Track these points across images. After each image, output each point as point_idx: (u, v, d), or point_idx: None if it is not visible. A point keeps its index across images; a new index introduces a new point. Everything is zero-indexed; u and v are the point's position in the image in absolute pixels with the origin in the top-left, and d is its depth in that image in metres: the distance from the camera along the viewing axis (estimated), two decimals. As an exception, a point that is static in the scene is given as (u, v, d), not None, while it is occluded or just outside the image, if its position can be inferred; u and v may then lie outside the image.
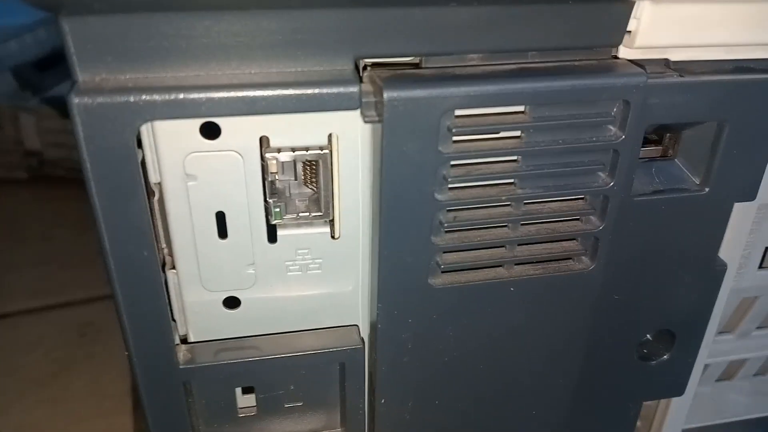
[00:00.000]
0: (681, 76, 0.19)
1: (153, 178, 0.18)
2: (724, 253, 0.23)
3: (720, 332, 0.30)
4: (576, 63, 0.18)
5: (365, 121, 0.17)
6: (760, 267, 0.28)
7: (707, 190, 0.21)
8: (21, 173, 0.97)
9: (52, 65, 1.07)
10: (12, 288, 0.76)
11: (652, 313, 0.23)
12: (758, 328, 0.30)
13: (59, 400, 0.62)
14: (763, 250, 0.27)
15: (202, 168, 0.18)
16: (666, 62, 0.19)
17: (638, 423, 0.29)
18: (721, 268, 0.23)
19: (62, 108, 0.93)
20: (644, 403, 0.27)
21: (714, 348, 0.28)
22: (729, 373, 0.33)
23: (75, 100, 0.15)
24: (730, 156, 0.20)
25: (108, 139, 0.16)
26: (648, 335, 0.24)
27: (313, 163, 0.20)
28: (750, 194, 0.21)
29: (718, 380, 0.33)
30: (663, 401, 0.29)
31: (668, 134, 0.22)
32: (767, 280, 0.28)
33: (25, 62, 0.95)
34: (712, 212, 0.21)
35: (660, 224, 0.21)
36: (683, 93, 0.19)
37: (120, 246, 0.17)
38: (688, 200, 0.21)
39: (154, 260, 0.18)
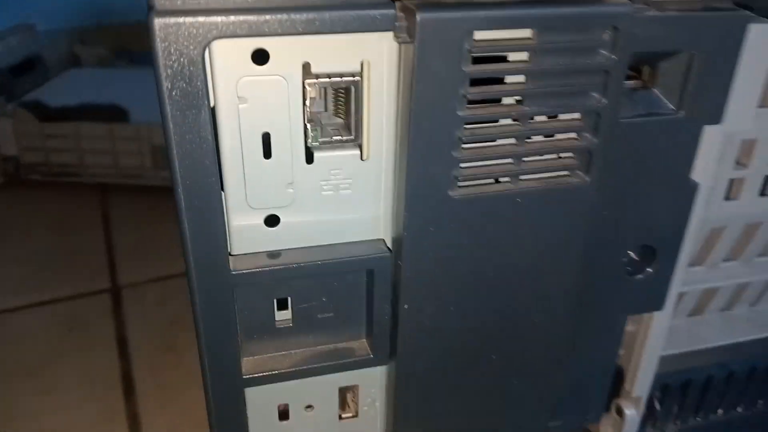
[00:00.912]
0: (659, 11, 0.22)
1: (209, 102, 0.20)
2: (696, 177, 0.27)
3: (692, 264, 0.33)
4: (572, -3, 0.22)
5: (398, 42, 0.20)
6: (726, 198, 0.31)
7: (682, 113, 0.24)
8: (-3, 178, 0.97)
9: (26, 71, 1.07)
10: (-6, 288, 0.76)
11: (636, 229, 0.26)
12: (725, 260, 0.34)
13: (49, 389, 0.63)
14: (728, 181, 0.30)
15: (252, 91, 0.20)
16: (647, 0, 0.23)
17: (621, 351, 0.32)
18: (694, 186, 0.26)
19: (38, 112, 0.94)
20: (626, 329, 0.31)
21: (687, 278, 0.32)
22: (700, 307, 0.37)
23: (155, 20, 0.18)
24: (699, 83, 0.24)
25: (181, 55, 0.18)
26: (632, 252, 0.27)
27: (344, 92, 0.22)
28: (717, 117, 0.25)
29: (689, 315, 0.37)
30: (642, 330, 0.32)
31: (647, 67, 0.25)
32: (733, 210, 0.31)
33: (-2, 69, 0.95)
34: (685, 134, 0.25)
35: (642, 145, 0.24)
36: (660, 25, 0.22)
37: (186, 154, 0.19)
38: (665, 123, 0.24)
39: (215, 172, 0.20)
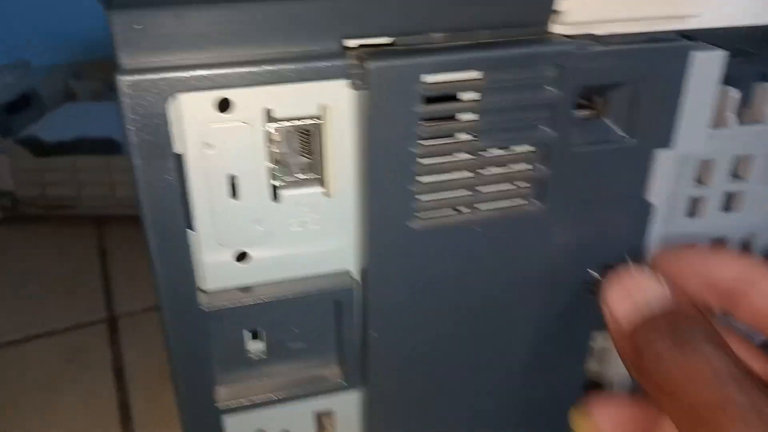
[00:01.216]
0: (603, 45, 0.24)
1: (177, 149, 0.22)
2: (652, 199, 0.28)
3: (661, 280, 0.34)
4: (519, 38, 0.23)
5: (355, 89, 0.21)
6: (690, 215, 0.32)
7: (632, 140, 0.26)
8: (-6, 214, 0.99)
9: (21, 107, 1.09)
10: (-8, 322, 0.78)
11: (596, 250, 0.27)
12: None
13: (49, 422, 0.64)
14: (687, 199, 0.32)
15: (218, 137, 0.22)
16: (591, 36, 0.24)
17: (597, 367, 0.33)
18: (649, 208, 0.27)
19: (34, 147, 0.95)
20: (601, 345, 0.32)
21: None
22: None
23: (121, 78, 0.19)
24: (647, 111, 0.25)
25: (146, 110, 0.20)
26: (593, 271, 0.28)
27: (308, 132, 0.24)
28: (666, 142, 0.26)
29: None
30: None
31: (597, 97, 0.26)
32: (695, 227, 0.33)
33: (-7, 106, 0.97)
34: (637, 159, 0.26)
35: (595, 172, 0.26)
36: (606, 59, 0.24)
37: (154, 199, 0.21)
38: (616, 150, 0.26)
39: (181, 214, 0.21)
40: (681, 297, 0.23)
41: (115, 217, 0.96)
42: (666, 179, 0.28)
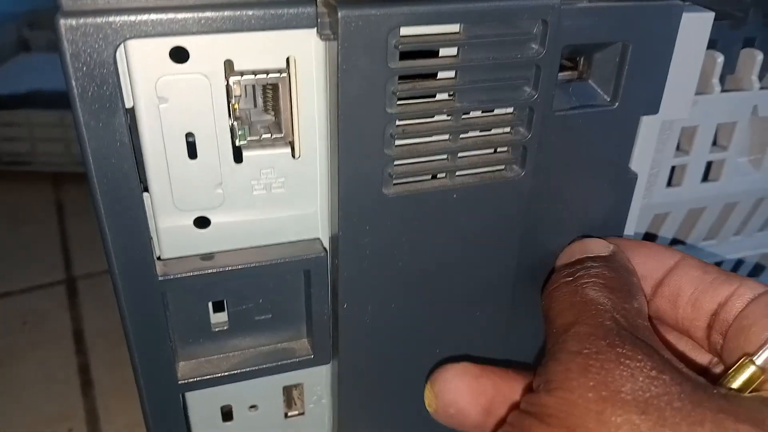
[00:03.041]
0: (590, 1, 0.22)
1: (126, 103, 0.20)
2: (635, 167, 0.27)
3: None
4: (501, -10, 0.21)
5: (322, 39, 0.19)
6: (668, 185, 0.32)
7: (616, 104, 0.24)
8: (-54, 168, 0.95)
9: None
10: (-56, 283, 0.74)
11: (576, 219, 0.26)
12: (671, 243, 0.35)
13: (5, 390, 0.61)
14: (670, 168, 0.31)
15: (172, 91, 0.20)
16: (577, -9, 0.22)
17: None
18: (632, 177, 0.26)
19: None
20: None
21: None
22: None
23: (61, 21, 0.17)
24: (633, 74, 0.24)
25: (91, 57, 0.17)
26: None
27: (272, 87, 0.22)
28: (653, 108, 0.25)
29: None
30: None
31: (582, 58, 0.25)
32: (675, 197, 0.32)
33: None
34: (621, 125, 0.25)
35: (577, 137, 0.24)
36: (591, 17, 0.22)
37: (103, 161, 0.19)
38: (600, 114, 0.24)
39: (134, 175, 0.19)
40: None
41: (73, 174, 0.93)
42: (649, 147, 0.27)
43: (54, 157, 0.95)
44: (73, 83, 0.18)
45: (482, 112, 0.23)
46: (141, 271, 0.21)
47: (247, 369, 0.24)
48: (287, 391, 0.27)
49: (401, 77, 0.20)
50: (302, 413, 0.27)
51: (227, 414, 0.26)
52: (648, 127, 0.26)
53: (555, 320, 0.21)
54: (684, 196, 0.32)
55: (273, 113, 0.22)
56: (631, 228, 0.29)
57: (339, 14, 0.18)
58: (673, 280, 0.23)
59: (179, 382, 0.23)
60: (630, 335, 0.19)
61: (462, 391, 0.23)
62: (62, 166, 0.95)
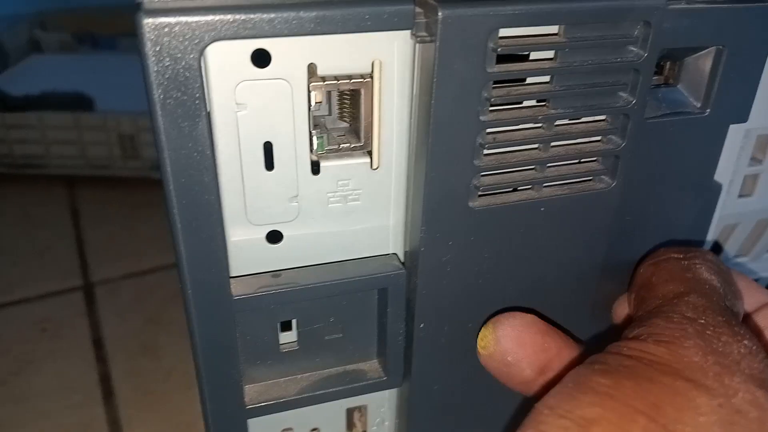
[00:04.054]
0: (688, 3, 0.21)
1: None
2: (717, 177, 0.25)
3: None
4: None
5: (417, 41, 0.18)
6: (740, 196, 0.30)
7: (707, 112, 0.23)
8: (-43, 172, 0.93)
9: (-16, 57, 1.02)
10: (-42, 289, 0.73)
11: (658, 233, 0.25)
12: (736, 256, 0.33)
13: (23, 398, 0.60)
14: (743, 177, 0.29)
15: (252, 97, 0.18)
16: (676, -9, 0.21)
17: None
18: (717, 187, 0.25)
19: (0, 102, 0.89)
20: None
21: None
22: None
23: (144, 20, 0.15)
24: (727, 80, 0.22)
25: (175, 60, 0.16)
26: (653, 257, 0.26)
27: (350, 95, 0.20)
28: (743, 116, 0.23)
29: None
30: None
31: (669, 63, 0.23)
32: (747, 206, 0.30)
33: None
34: (711, 133, 0.23)
35: (666, 146, 0.23)
36: (690, 19, 0.21)
37: (182, 170, 0.17)
38: (690, 122, 0.23)
39: (214, 187, 0.18)
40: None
41: (87, 177, 0.91)
42: (731, 156, 0.26)
43: (68, 160, 0.94)
44: (154, 87, 0.16)
45: (570, 120, 0.21)
46: (216, 290, 0.19)
47: (317, 392, 0.22)
48: (349, 412, 0.25)
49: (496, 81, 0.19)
50: (363, 436, 0.26)
51: (287, 437, 0.25)
52: (732, 135, 0.25)
53: (660, 286, 0.21)
54: (755, 206, 0.31)
55: (349, 121, 0.21)
56: (707, 239, 0.27)
57: (439, 14, 0.17)
58: (759, 319, 0.22)
59: (247, 407, 0.22)
60: (743, 324, 0.19)
61: (526, 341, 0.22)
62: (76, 169, 0.94)
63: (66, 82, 0.97)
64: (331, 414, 0.24)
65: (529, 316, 0.22)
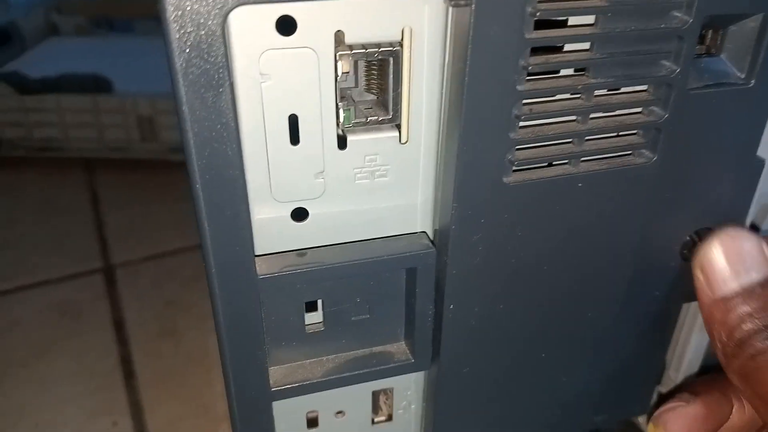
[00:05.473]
0: (734, -35, 0.20)
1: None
2: (760, 152, 0.24)
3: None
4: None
5: (451, 5, 0.17)
6: None
7: (752, 83, 0.22)
8: (-24, 156, 0.93)
9: (2, 42, 1.02)
10: (-21, 273, 0.73)
11: (697, 210, 0.24)
12: None
13: (44, 381, 0.60)
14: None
15: (277, 67, 0.17)
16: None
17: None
18: (760, 163, 0.24)
19: (17, 84, 0.89)
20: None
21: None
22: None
23: (164, -17, 0.15)
24: (774, 49, 0.21)
25: (197, 26, 0.15)
26: (690, 236, 0.25)
27: (378, 64, 0.19)
28: (791, 86, 0.22)
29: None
30: (691, 314, 0.30)
31: (711, 31, 0.22)
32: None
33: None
34: (755, 105, 0.22)
35: (708, 119, 0.22)
36: (737, -18, 0.20)
37: (205, 143, 0.17)
38: (735, 93, 0.22)
39: (239, 162, 0.17)
40: None
41: (106, 160, 0.91)
42: (775, 131, 0.24)
43: (86, 143, 0.94)
44: (176, 55, 0.15)
45: (609, 90, 0.20)
46: (240, 269, 0.19)
47: (343, 375, 0.22)
48: (374, 395, 0.25)
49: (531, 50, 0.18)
50: (389, 420, 0.25)
51: (312, 420, 0.24)
52: (775, 110, 0.24)
53: None
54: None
55: (377, 92, 0.20)
56: (746, 219, 0.26)
57: (475, -24, 0.16)
58: None
59: (272, 389, 0.21)
60: None
61: (689, 426, 0.24)
62: (95, 152, 0.94)
63: (84, 64, 0.97)
64: (357, 397, 0.24)
65: (688, 401, 0.24)
